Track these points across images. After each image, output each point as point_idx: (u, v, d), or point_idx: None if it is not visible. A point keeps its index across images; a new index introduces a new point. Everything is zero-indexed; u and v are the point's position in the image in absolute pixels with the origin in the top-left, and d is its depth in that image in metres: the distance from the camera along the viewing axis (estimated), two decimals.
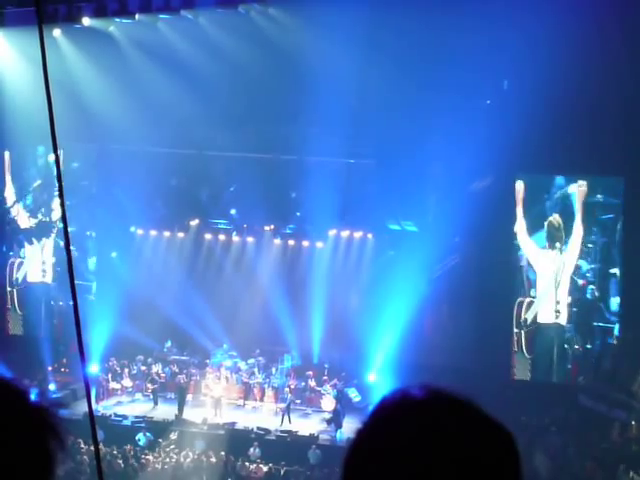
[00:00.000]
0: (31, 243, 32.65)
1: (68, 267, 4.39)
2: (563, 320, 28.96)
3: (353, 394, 29.74)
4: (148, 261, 32.85)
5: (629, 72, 26.70)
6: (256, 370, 30.68)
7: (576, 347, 28.98)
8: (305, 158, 29.94)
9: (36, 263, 32.87)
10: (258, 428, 28.16)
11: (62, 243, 30.55)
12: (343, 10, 26.31)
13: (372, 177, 30.42)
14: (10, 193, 32.68)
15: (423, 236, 29.34)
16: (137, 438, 27.98)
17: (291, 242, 32.37)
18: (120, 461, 26.89)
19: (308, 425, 28.62)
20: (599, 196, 28.59)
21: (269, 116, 29.69)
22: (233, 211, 32.72)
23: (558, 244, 28.80)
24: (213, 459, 26.99)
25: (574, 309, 28.91)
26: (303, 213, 31.67)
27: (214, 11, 28.12)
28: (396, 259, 30.30)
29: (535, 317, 29.19)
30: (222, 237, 32.94)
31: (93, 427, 4.22)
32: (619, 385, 27.55)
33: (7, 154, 32.27)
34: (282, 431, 28.14)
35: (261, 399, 30.32)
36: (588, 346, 28.96)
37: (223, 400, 29.62)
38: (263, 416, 29.32)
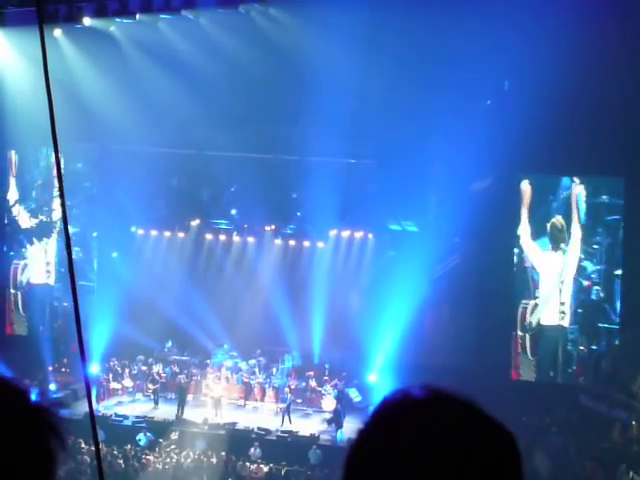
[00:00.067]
0: (31, 243, 32.64)
1: (69, 267, 4.39)
2: (568, 322, 28.92)
3: (354, 394, 29.73)
4: (149, 261, 32.86)
5: (629, 72, 26.70)
6: (257, 370, 30.69)
7: (581, 348, 28.94)
8: (306, 158, 29.94)
9: (40, 264, 32.87)
10: (259, 428, 28.15)
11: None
12: (343, 10, 26.31)
13: (373, 177, 30.43)
14: (13, 193, 32.70)
15: (424, 236, 29.34)
16: (138, 438, 27.98)
17: (292, 242, 32.37)
18: (121, 461, 26.89)
19: (309, 425, 28.61)
20: (604, 197, 28.55)
21: (270, 116, 29.69)
22: (234, 211, 32.73)
23: (562, 245, 28.77)
24: (214, 459, 26.99)
25: (579, 310, 28.87)
26: (304, 213, 31.67)
27: (215, 11, 28.12)
28: (397, 259, 30.31)
29: (539, 319, 29.16)
30: (223, 237, 32.94)
31: (94, 427, 4.22)
32: (620, 385, 27.55)
33: (13, 154, 32.28)
34: (283, 431, 28.14)
35: (262, 399, 30.31)
36: (593, 347, 28.91)
37: (223, 400, 29.62)
38: (264, 416, 29.32)
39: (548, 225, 28.86)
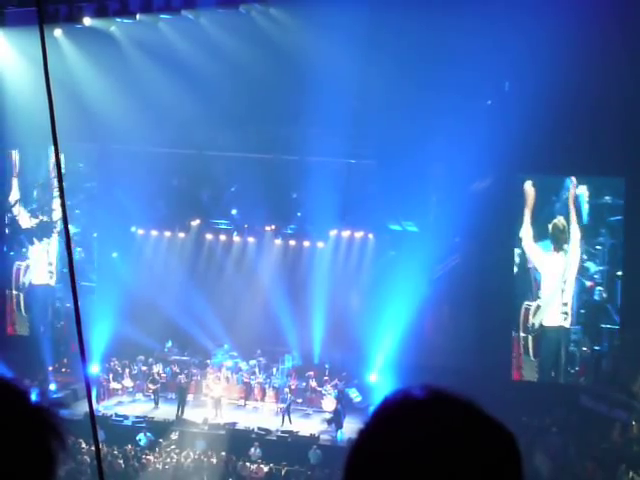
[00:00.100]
0: (32, 243, 32.64)
1: (69, 267, 4.39)
2: (571, 322, 28.88)
3: (354, 394, 29.73)
4: (149, 261, 32.87)
5: (629, 72, 26.69)
6: (257, 370, 30.69)
7: (584, 349, 28.90)
8: (306, 158, 29.94)
9: (42, 265, 32.86)
10: (259, 428, 28.16)
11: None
12: (344, 10, 26.31)
13: (373, 177, 30.43)
14: (14, 193, 32.70)
15: (424, 236, 29.34)
16: (138, 438, 27.99)
17: (292, 242, 32.37)
18: (121, 461, 26.90)
19: (309, 425, 28.61)
20: (607, 198, 28.52)
21: (270, 116, 29.69)
22: (234, 211, 32.72)
23: (565, 246, 28.74)
24: (214, 459, 27.00)
25: (582, 311, 28.84)
26: (304, 213, 31.67)
27: (215, 11, 28.13)
28: (397, 259, 30.30)
29: (542, 320, 29.13)
30: (223, 237, 32.94)
31: (94, 427, 4.22)
32: (620, 385, 27.55)
33: (14, 154, 32.27)
34: (283, 431, 28.14)
35: (262, 399, 30.32)
36: (596, 347, 28.87)
37: (224, 400, 29.62)
38: (264, 416, 29.32)
39: (550, 226, 28.82)
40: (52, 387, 30.46)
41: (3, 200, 32.67)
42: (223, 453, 27.16)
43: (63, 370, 31.57)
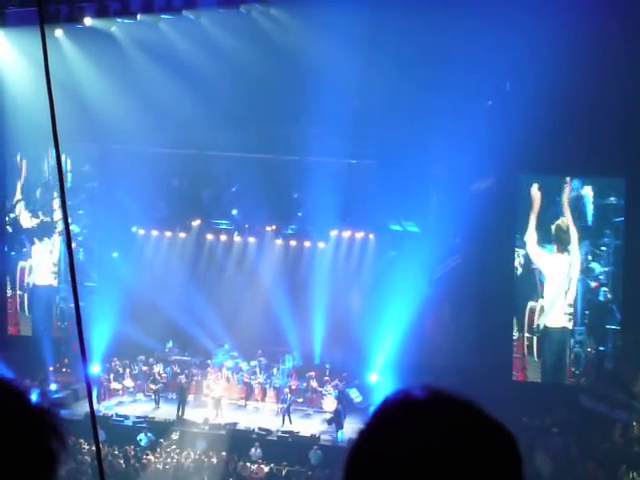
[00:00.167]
0: (32, 243, 32.66)
1: (69, 267, 4.39)
2: (575, 323, 28.83)
3: (354, 395, 29.73)
4: (150, 261, 32.86)
5: (629, 72, 26.69)
6: (257, 370, 30.69)
7: (589, 350, 28.85)
8: (306, 158, 29.93)
9: (45, 265, 32.85)
10: (259, 428, 28.16)
11: (73, 244, 30.55)
12: (344, 11, 26.31)
13: (374, 178, 30.43)
14: (16, 193, 32.71)
15: (425, 237, 29.33)
16: (138, 438, 28.00)
17: (293, 242, 32.37)
18: (121, 461, 26.92)
19: (309, 426, 28.61)
20: (612, 198, 28.47)
21: (270, 116, 29.70)
22: (235, 211, 32.72)
23: (568, 247, 28.69)
24: (214, 459, 27.01)
25: (586, 312, 28.79)
26: (305, 213, 31.67)
27: (216, 11, 28.14)
28: (398, 260, 30.30)
29: (547, 321, 29.07)
30: (224, 237, 32.93)
31: (94, 427, 4.22)
32: (620, 386, 27.55)
33: (17, 154, 32.27)
34: (283, 431, 28.15)
35: (262, 399, 30.32)
36: (601, 348, 28.82)
37: (224, 400, 29.63)
38: (264, 416, 29.32)
39: (553, 227, 28.78)
40: (53, 387, 30.47)
41: (4, 200, 32.69)
42: (224, 453, 27.17)
43: (64, 370, 31.57)
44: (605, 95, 26.59)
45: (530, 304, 29.04)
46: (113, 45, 28.95)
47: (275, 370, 30.64)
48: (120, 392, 30.73)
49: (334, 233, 31.80)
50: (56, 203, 31.50)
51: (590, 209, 28.62)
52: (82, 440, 26.35)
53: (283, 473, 26.93)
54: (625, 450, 26.10)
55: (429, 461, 1.66)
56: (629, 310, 28.05)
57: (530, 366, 29.22)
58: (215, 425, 28.44)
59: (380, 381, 29.25)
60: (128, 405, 30.24)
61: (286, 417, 28.69)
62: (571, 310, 28.79)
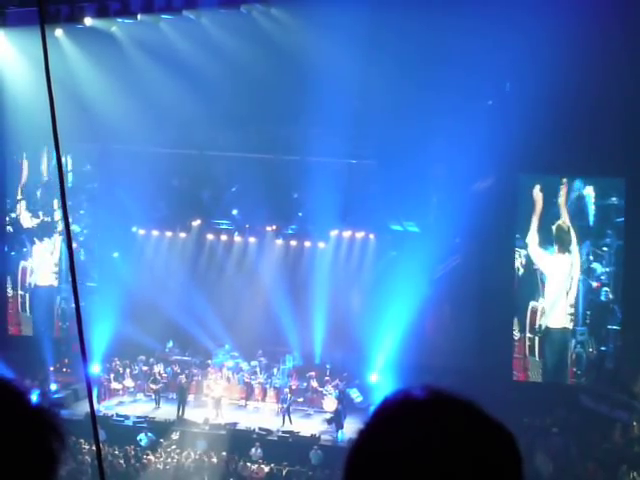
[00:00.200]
0: (33, 243, 32.66)
1: (70, 267, 4.39)
2: (577, 323, 28.81)
3: (355, 395, 29.73)
4: (150, 261, 32.86)
5: (629, 72, 26.69)
6: (258, 370, 30.69)
7: (590, 350, 28.83)
8: (307, 158, 29.93)
9: (47, 266, 32.84)
10: (260, 428, 28.16)
11: (74, 244, 30.61)
12: (345, 11, 26.31)
13: (374, 178, 30.42)
14: (17, 193, 32.71)
15: (425, 237, 29.33)
16: (139, 438, 28.00)
17: (293, 242, 32.37)
18: (122, 461, 26.93)
19: (310, 426, 28.61)
20: (613, 199, 28.45)
21: (271, 116, 29.70)
22: (235, 211, 32.72)
23: (570, 247, 28.67)
24: (214, 459, 27.01)
25: (588, 312, 28.77)
26: (305, 213, 31.67)
27: (216, 11, 28.12)
28: (398, 260, 30.30)
29: (548, 321, 29.04)
30: (224, 237, 32.94)
31: (95, 427, 4.22)
32: (621, 386, 27.54)
33: (18, 154, 32.26)
34: (284, 431, 28.15)
35: (263, 399, 30.32)
36: (603, 348, 28.79)
37: (224, 400, 29.63)
38: (265, 416, 29.32)
39: (554, 227, 28.76)
40: (53, 387, 30.48)
41: (5, 200, 32.69)
42: (224, 453, 27.17)
43: (64, 370, 31.57)
44: (605, 95, 26.58)
45: (532, 305, 29.02)
46: (113, 45, 28.94)
47: (275, 370, 30.64)
48: (120, 392, 30.73)
49: (334, 233, 31.80)
50: (57, 203, 31.49)
51: (592, 209, 28.59)
52: (82, 440, 26.36)
53: (283, 473, 26.93)
54: (625, 450, 26.10)
55: (429, 461, 1.66)
56: (629, 310, 28.04)
57: (532, 366, 29.21)
58: (215, 425, 28.44)
59: (380, 381, 29.25)
60: (128, 405, 30.25)
61: (286, 417, 28.69)
62: (572, 310, 28.77)
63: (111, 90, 29.50)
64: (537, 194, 28.78)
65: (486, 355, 28.70)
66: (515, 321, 29.22)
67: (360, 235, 31.67)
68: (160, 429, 28.28)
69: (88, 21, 27.40)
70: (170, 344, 31.95)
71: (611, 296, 28.62)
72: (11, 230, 32.87)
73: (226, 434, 27.94)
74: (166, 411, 29.59)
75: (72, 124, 24.27)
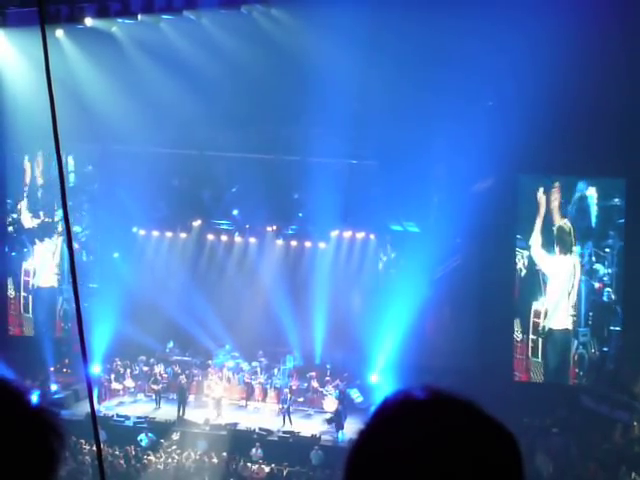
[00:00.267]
0: (33, 244, 32.67)
1: (71, 268, 4.40)
2: (579, 324, 28.78)
3: (355, 395, 29.73)
4: (150, 262, 32.86)
5: (629, 73, 26.69)
6: (258, 371, 30.70)
7: (592, 351, 28.80)
8: (307, 159, 29.93)
9: (49, 267, 32.83)
10: (260, 429, 28.16)
11: (76, 245, 30.62)
12: (346, 11, 26.30)
13: (374, 178, 30.41)
14: (18, 194, 32.71)
15: (425, 237, 29.32)
16: (139, 439, 28.00)
17: (293, 243, 32.37)
18: (122, 461, 26.92)
19: (310, 426, 28.61)
20: (616, 200, 28.44)
21: (271, 117, 29.70)
22: (235, 212, 32.72)
23: (572, 248, 28.65)
24: (215, 460, 27.01)
25: (590, 313, 28.76)
26: (305, 214, 31.67)
27: (216, 12, 28.12)
28: (398, 260, 30.31)
29: (550, 322, 29.02)
30: (224, 238, 32.94)
31: (95, 428, 4.22)
32: (621, 386, 27.54)
33: (18, 155, 32.26)
34: (284, 432, 28.15)
35: (263, 400, 30.32)
36: (605, 349, 28.77)
37: (225, 401, 29.64)
38: (265, 417, 29.32)
39: (555, 229, 28.75)
40: (54, 387, 30.48)
41: (5, 200, 32.69)
42: (224, 454, 27.17)
43: (65, 370, 31.58)
44: (604, 95, 26.57)
45: (534, 306, 29.01)
46: (114, 45, 28.94)
47: (276, 370, 30.65)
48: (121, 392, 30.73)
49: (335, 233, 31.81)
50: (57, 203, 31.49)
51: (594, 210, 28.57)
52: (83, 440, 26.38)
53: (284, 473, 26.93)
54: (626, 450, 26.10)
55: (429, 461, 1.66)
56: (630, 311, 28.03)
57: (534, 367, 29.21)
58: (216, 425, 28.44)
59: (381, 381, 29.25)
60: (129, 405, 30.25)
61: (287, 417, 28.69)
62: (575, 312, 28.76)
63: (111, 90, 29.51)
64: (540, 196, 28.78)
65: (486, 355, 28.71)
66: (517, 322, 29.21)
67: (360, 235, 31.68)
68: (160, 429, 28.28)
69: (88, 21, 27.40)
70: (171, 344, 31.95)
71: (613, 297, 28.60)
72: (12, 230, 32.86)
73: (226, 434, 27.94)
74: (166, 411, 29.59)
75: (72, 124, 24.27)
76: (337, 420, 27.94)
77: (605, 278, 28.63)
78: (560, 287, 28.79)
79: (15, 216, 32.81)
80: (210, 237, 33.00)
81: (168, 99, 29.37)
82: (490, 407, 1.78)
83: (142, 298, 30.67)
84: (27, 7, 24.69)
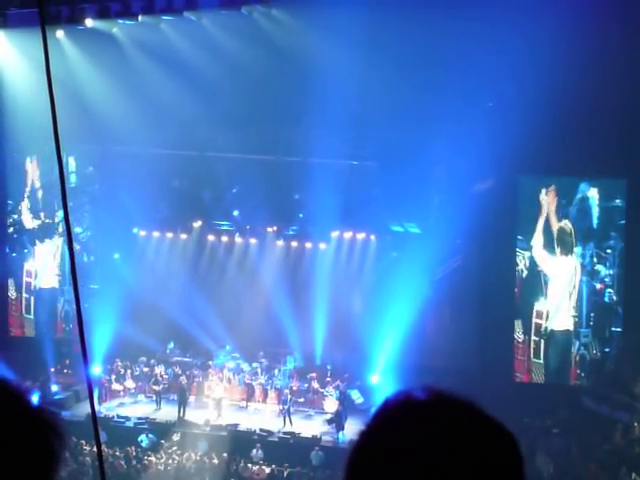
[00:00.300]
0: (34, 244, 32.67)
1: (71, 268, 4.40)
2: (580, 325, 28.78)
3: (356, 396, 29.72)
4: (151, 262, 32.87)
5: (629, 73, 26.68)
6: (259, 371, 30.70)
7: (594, 352, 28.78)
8: (308, 159, 29.93)
9: (50, 268, 32.83)
10: (261, 429, 28.16)
11: (77, 246, 30.61)
12: (346, 13, 26.31)
13: (375, 179, 30.41)
14: (19, 195, 32.72)
15: (426, 238, 29.33)
16: (140, 439, 28.00)
17: (294, 243, 32.37)
18: (123, 462, 26.92)
19: (311, 427, 28.61)
20: (617, 201, 28.43)
21: (272, 117, 29.70)
22: (236, 212, 32.73)
23: (573, 249, 28.64)
24: (215, 460, 27.00)
25: (592, 314, 28.75)
26: (306, 214, 31.67)
27: (217, 12, 28.12)
28: (399, 261, 30.31)
29: (552, 323, 29.01)
30: (225, 238, 32.95)
31: (96, 428, 4.22)
32: (622, 387, 27.54)
33: (19, 156, 32.26)
34: (285, 433, 28.15)
35: (264, 401, 30.31)
36: (607, 350, 28.76)
37: (225, 401, 29.64)
38: (266, 418, 29.31)
39: (555, 230, 28.74)
40: (54, 388, 30.48)
41: (6, 201, 32.69)
42: (225, 454, 27.16)
43: (65, 371, 31.58)
44: (604, 95, 26.56)
45: (536, 307, 29.00)
46: (114, 46, 28.95)
47: (276, 371, 30.64)
48: (121, 393, 30.73)
49: (335, 234, 31.82)
50: (58, 204, 31.50)
51: (595, 211, 28.57)
52: (83, 441, 26.38)
53: (284, 474, 26.92)
54: (626, 451, 26.09)
55: (430, 462, 1.66)
56: (631, 312, 28.03)
57: (535, 369, 29.20)
58: (216, 426, 28.44)
59: (381, 382, 29.25)
60: (129, 406, 30.25)
61: (287, 418, 28.68)
62: (576, 312, 28.75)
63: (112, 91, 29.52)
64: (542, 197, 28.78)
65: (486, 356, 28.71)
66: (519, 323, 29.20)
67: (361, 236, 31.69)
68: (161, 430, 28.28)
69: (89, 22, 27.41)
70: (171, 345, 31.95)
71: (615, 298, 28.60)
72: (13, 231, 32.86)
73: (227, 435, 27.94)
74: (167, 412, 29.59)
75: (73, 125, 24.28)
76: (337, 421, 27.94)
77: (606, 279, 28.63)
78: (561, 288, 28.79)
79: (16, 217, 32.81)
80: (210, 238, 33.01)
81: (169, 100, 29.38)
82: (490, 407, 1.78)
83: (143, 299, 30.67)
84: (27, 8, 24.71)
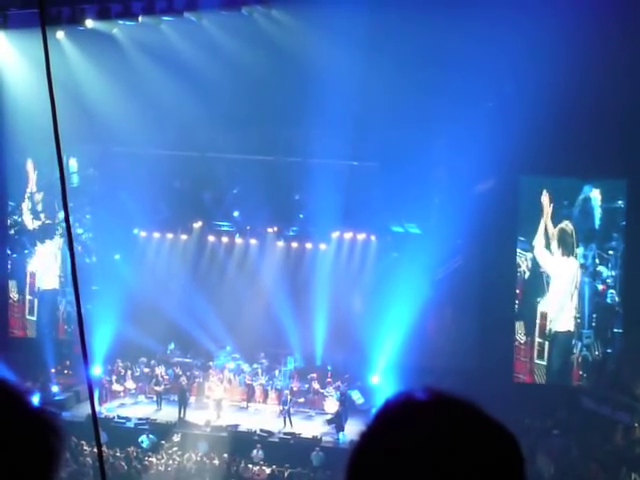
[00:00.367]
0: (34, 245, 32.68)
1: (72, 269, 4.39)
2: (582, 326, 28.76)
3: (356, 396, 29.72)
4: (151, 263, 32.87)
5: (630, 73, 26.68)
6: (259, 372, 30.70)
7: (596, 353, 28.76)
8: (308, 160, 29.94)
9: (52, 269, 32.82)
10: (261, 430, 28.16)
11: (78, 247, 30.61)
12: (346, 13, 26.30)
13: (375, 179, 30.42)
14: (19, 196, 32.72)
15: (426, 238, 29.33)
16: (140, 440, 27.99)
17: (294, 244, 32.37)
18: (123, 463, 26.92)
19: (311, 427, 28.61)
20: (619, 202, 28.42)
21: (272, 118, 29.70)
22: (236, 213, 32.73)
23: (575, 250, 28.63)
24: (216, 461, 27.00)
25: (594, 315, 28.74)
26: (306, 215, 31.68)
27: (217, 13, 28.09)
28: (399, 261, 30.31)
29: (555, 325, 29.00)
30: (225, 239, 32.95)
31: (96, 429, 4.22)
32: (622, 387, 27.54)
33: (20, 157, 32.25)
34: (285, 433, 28.15)
35: (264, 401, 30.32)
36: (609, 350, 28.75)
37: (225, 402, 29.64)
38: (266, 418, 29.31)
39: (557, 230, 28.74)
40: (55, 389, 30.48)
41: (7, 202, 32.69)
42: (225, 455, 27.16)
43: (66, 372, 31.58)
44: (605, 95, 26.56)
45: (540, 308, 28.99)
46: (114, 47, 28.95)
47: (277, 372, 30.65)
48: (122, 394, 30.73)
49: (336, 235, 31.82)
50: (58, 205, 31.50)
51: (597, 212, 28.56)
52: (84, 442, 26.38)
53: (285, 475, 26.92)
54: (627, 452, 26.09)
55: (430, 462, 1.66)
56: (632, 312, 28.03)
57: (538, 370, 29.19)
58: (217, 427, 28.44)
59: (382, 383, 29.25)
60: (130, 407, 30.25)
61: (287, 419, 28.68)
62: (578, 313, 28.74)
63: (112, 92, 29.52)
64: (544, 198, 28.78)
65: (487, 356, 28.70)
66: (521, 324, 29.18)
67: (361, 237, 31.69)
68: (161, 431, 28.28)
69: (89, 23, 27.39)
70: (172, 346, 31.96)
71: (617, 299, 28.59)
72: (13, 232, 32.85)
73: (227, 436, 27.94)
74: (167, 413, 29.59)
75: (73, 126, 24.29)
76: (338, 421, 27.95)
77: (609, 280, 28.62)
78: (563, 289, 28.78)
79: (17, 218, 32.81)
80: (211, 238, 33.01)
81: (169, 101, 29.37)
82: (491, 408, 1.78)
83: (143, 300, 30.67)
84: (28, 9, 24.69)
